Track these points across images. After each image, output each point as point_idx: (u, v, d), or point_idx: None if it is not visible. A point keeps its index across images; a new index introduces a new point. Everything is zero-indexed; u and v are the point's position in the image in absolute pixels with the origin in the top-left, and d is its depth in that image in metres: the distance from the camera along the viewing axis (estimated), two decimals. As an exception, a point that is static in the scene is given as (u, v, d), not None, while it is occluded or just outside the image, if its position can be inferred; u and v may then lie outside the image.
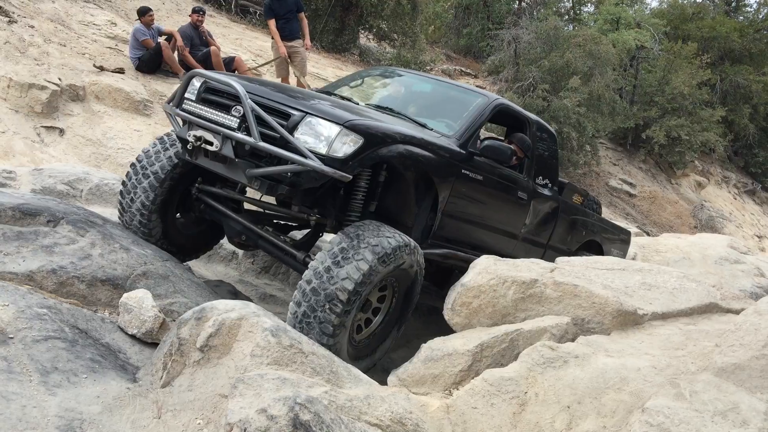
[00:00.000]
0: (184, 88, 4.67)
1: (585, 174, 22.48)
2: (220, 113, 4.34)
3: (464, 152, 4.95)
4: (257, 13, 17.00)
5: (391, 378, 3.74)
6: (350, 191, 4.54)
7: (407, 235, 4.33)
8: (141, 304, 3.92)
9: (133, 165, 5.08)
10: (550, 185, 6.14)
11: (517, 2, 28.72)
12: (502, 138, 6.75)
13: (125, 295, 4.01)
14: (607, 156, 24.39)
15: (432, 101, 5.90)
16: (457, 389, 3.53)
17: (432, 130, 5.04)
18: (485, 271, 3.97)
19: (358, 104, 5.34)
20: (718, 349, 3.35)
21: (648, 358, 3.48)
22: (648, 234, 19.25)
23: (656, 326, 3.87)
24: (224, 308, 3.19)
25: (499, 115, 6.06)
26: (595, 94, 20.87)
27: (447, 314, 4.02)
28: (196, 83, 4.63)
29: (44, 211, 4.45)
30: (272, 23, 10.07)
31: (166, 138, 5.05)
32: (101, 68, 9.51)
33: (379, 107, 5.40)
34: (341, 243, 4.02)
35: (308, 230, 5.38)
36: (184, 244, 5.42)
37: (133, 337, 3.87)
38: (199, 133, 4.39)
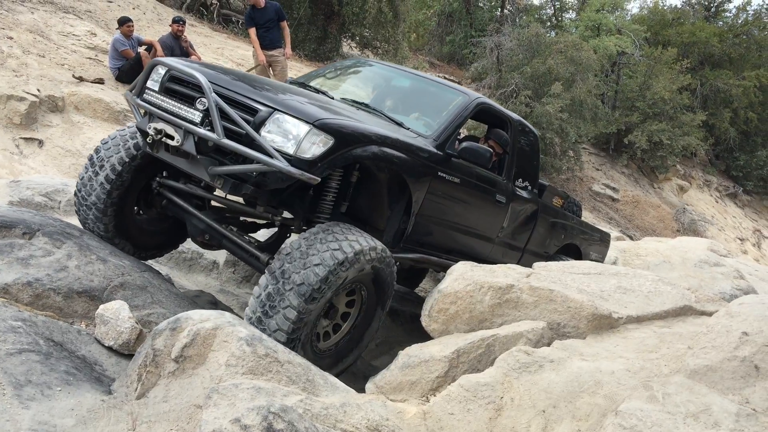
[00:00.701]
0: (146, 76, 4.45)
1: (568, 179, 22.61)
2: (182, 106, 4.12)
3: (441, 153, 4.81)
4: (239, 22, 17.01)
5: (369, 385, 3.75)
6: (320, 191, 4.38)
7: (378, 239, 4.21)
8: (117, 316, 3.90)
9: (90, 157, 4.85)
10: (530, 187, 6.04)
11: (500, 10, 28.93)
12: (479, 138, 6.68)
13: (102, 306, 3.98)
14: (590, 161, 24.55)
15: (410, 98, 5.73)
16: (435, 395, 3.54)
17: (409, 129, 4.89)
18: (462, 277, 3.99)
19: (332, 98, 5.18)
20: (690, 351, 3.38)
21: (622, 362, 3.51)
22: (631, 238, 19.37)
23: (631, 329, 3.90)
24: (199, 318, 3.19)
25: (481, 115, 5.97)
26: (578, 100, 21.04)
27: (424, 321, 4.04)
28: (160, 71, 4.39)
29: (20, 224, 4.43)
30: (252, 32, 10.10)
31: (126, 129, 4.81)
32: (81, 79, 9.49)
33: (354, 103, 5.24)
34: (300, 246, 3.87)
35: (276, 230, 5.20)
36: (145, 242, 5.20)
37: (109, 348, 3.85)
38: (160, 126, 4.16)
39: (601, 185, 23.76)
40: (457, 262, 5.27)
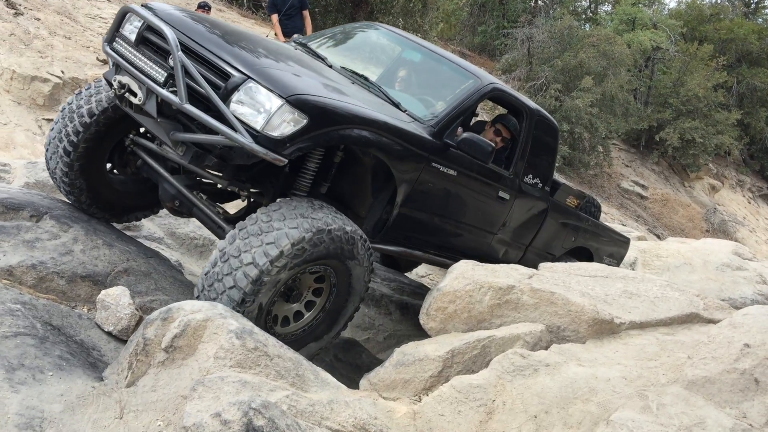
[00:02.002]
0: (117, 23, 4.12)
1: (596, 175, 22.35)
2: (149, 62, 3.79)
3: (438, 142, 4.41)
4: (268, 8, 17.02)
5: (363, 382, 3.72)
6: (297, 169, 4.04)
7: (357, 225, 3.90)
8: (118, 302, 3.92)
9: (62, 109, 4.54)
10: (540, 185, 5.61)
11: (533, 1, 28.59)
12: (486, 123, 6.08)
13: (103, 291, 4.01)
14: (619, 157, 24.23)
15: (418, 74, 5.33)
16: (427, 395, 3.51)
17: (405, 111, 4.46)
18: (462, 276, 3.94)
19: (330, 66, 4.76)
20: (690, 361, 3.30)
21: (620, 369, 3.44)
22: (658, 237, 19.11)
23: (633, 336, 3.82)
24: (190, 309, 3.18)
25: (494, 101, 5.61)
26: (609, 95, 20.79)
27: (422, 319, 4.00)
28: (135, 20, 4.05)
29: (28, 206, 4.47)
30: (275, 18, 10.11)
31: (103, 79, 4.39)
32: (105, 62, 9.57)
33: (354, 74, 4.79)
34: (257, 221, 3.57)
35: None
36: (116, 203, 4.86)
37: (109, 334, 3.87)
38: (125, 80, 3.83)
39: (630, 182, 23.45)
40: (446, 258, 5.09)
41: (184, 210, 4.36)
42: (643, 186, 23.28)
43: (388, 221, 4.44)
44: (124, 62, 3.88)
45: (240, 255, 3.48)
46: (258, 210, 3.68)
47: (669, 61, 25.14)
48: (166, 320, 3.17)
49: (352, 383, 3.88)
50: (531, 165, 5.43)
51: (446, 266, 5.40)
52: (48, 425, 2.90)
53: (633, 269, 8.31)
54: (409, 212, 4.49)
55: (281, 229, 3.50)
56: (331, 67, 4.75)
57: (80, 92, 4.53)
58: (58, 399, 3.04)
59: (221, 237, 4.07)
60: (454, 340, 3.69)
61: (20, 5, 9.66)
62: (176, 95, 3.54)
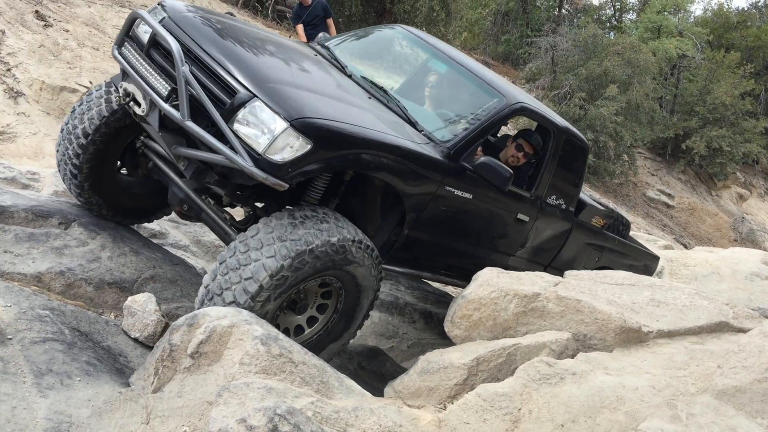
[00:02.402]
0: (126, 28, 4.03)
1: (621, 184, 22.15)
2: (154, 72, 3.68)
3: (453, 165, 4.22)
4: (293, 19, 17.15)
5: (387, 389, 3.71)
6: (305, 185, 3.91)
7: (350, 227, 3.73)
8: (144, 308, 3.96)
9: (72, 110, 4.50)
10: (564, 206, 5.38)
11: (557, 9, 28.50)
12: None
13: (129, 298, 4.05)
14: (645, 166, 23.99)
15: (441, 87, 5.10)
16: (452, 403, 3.48)
17: (422, 131, 4.27)
18: (486, 283, 3.92)
19: (349, 76, 4.58)
20: (720, 370, 3.25)
21: (648, 378, 3.39)
22: (685, 246, 18.89)
23: (661, 344, 3.77)
24: (216, 315, 3.20)
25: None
26: (634, 103, 20.63)
27: (447, 326, 3.98)
28: (144, 27, 3.94)
29: (56, 213, 4.54)
30: (300, 28, 10.17)
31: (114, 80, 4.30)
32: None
33: (373, 85, 4.58)
34: (257, 233, 3.48)
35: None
36: (124, 205, 4.79)
37: (135, 340, 3.91)
38: (131, 88, 3.76)
39: (656, 191, 23.20)
40: (458, 279, 4.97)
41: (192, 214, 4.25)
42: (669, 195, 23.01)
43: (396, 242, 4.29)
44: (130, 70, 3.80)
45: (222, 293, 3.42)
46: (261, 220, 3.59)
47: (695, 69, 24.88)
48: (192, 326, 3.19)
49: (376, 391, 3.87)
50: (555, 185, 5.22)
51: (459, 286, 5.31)
52: (76, 430, 2.93)
53: (660, 278, 8.21)
54: (419, 235, 4.35)
55: (258, 260, 3.38)
56: (350, 77, 4.60)
57: (90, 93, 4.47)
58: (86, 404, 3.07)
59: (227, 243, 4.01)
60: (479, 347, 3.67)
61: (49, 17, 9.82)
62: (179, 110, 3.46)
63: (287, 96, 3.53)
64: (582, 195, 6.21)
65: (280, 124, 3.35)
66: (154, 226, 5.81)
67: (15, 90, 8.65)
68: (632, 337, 3.77)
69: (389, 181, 3.86)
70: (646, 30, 25.65)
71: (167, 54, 3.73)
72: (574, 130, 5.42)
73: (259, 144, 3.35)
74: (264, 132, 3.36)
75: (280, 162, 3.35)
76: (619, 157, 21.03)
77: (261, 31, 4.77)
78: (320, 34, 5.57)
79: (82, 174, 4.48)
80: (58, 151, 4.59)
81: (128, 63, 3.86)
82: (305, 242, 3.44)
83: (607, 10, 31.07)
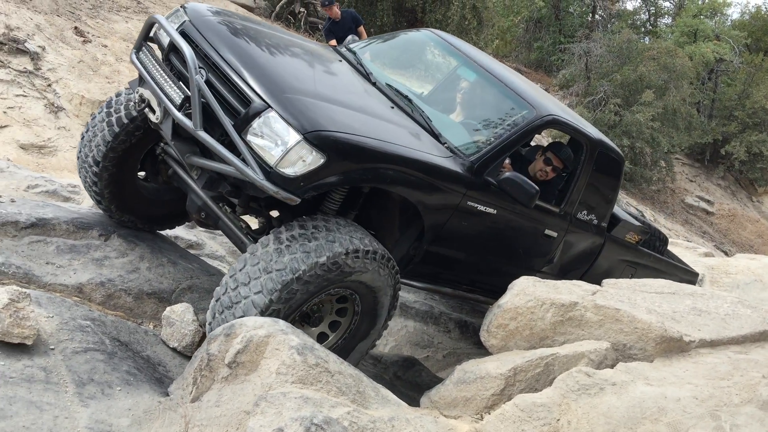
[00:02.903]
0: (144, 33, 3.98)
1: (659, 190, 21.85)
2: (169, 79, 3.62)
3: (476, 180, 4.06)
4: (326, 30, 17.28)
5: (423, 399, 3.69)
6: (322, 196, 3.77)
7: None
8: (183, 318, 4.01)
9: (92, 116, 4.45)
10: (596, 221, 5.17)
11: (591, 15, 28.29)
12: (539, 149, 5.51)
13: (168, 308, 4.10)
14: (683, 172, 23.63)
15: (470, 96, 4.94)
16: (489, 413, 3.45)
17: (445, 144, 4.10)
18: (523, 292, 3.88)
19: (374, 84, 4.42)
20: (764, 380, 3.17)
21: (690, 388, 3.32)
22: (726, 253, 18.52)
23: (703, 354, 3.69)
24: (253, 325, 3.22)
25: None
26: (670, 109, 20.37)
27: (483, 336, 3.95)
28: (162, 32, 3.86)
29: (96, 225, 4.62)
30: (333, 44, 10.24)
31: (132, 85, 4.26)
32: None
33: (397, 93, 4.42)
34: (267, 246, 3.39)
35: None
36: (144, 212, 4.74)
37: (174, 350, 3.96)
38: (147, 94, 3.70)
39: (694, 197, 22.82)
40: (480, 294, 4.85)
41: (210, 222, 4.12)
42: (708, 201, 22.61)
43: (415, 257, 4.16)
44: (146, 75, 3.73)
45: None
46: (272, 232, 3.52)
47: (733, 72, 24.48)
48: (229, 336, 3.21)
49: (412, 401, 3.85)
50: (587, 200, 5.00)
51: (481, 302, 5.23)
52: (116, 439, 2.97)
53: (701, 286, 8.05)
54: (439, 250, 4.23)
55: (248, 297, 3.33)
56: (374, 84, 4.45)
57: (111, 99, 4.42)
58: (126, 413, 3.12)
59: (243, 251, 3.85)
60: (516, 357, 3.63)
61: (88, 33, 10.05)
62: (191, 119, 3.40)
63: (303, 107, 3.43)
64: (617, 209, 5.98)
65: (293, 137, 3.27)
66: (191, 237, 5.88)
67: (56, 105, 8.86)
68: (673, 347, 3.70)
69: (407, 196, 3.75)
70: (682, 34, 25.32)
71: (184, 60, 3.66)
72: (609, 142, 5.21)
73: (272, 156, 3.28)
74: (277, 144, 3.29)
75: (292, 176, 3.27)
76: (656, 163, 20.76)
77: (286, 35, 4.68)
78: (349, 37, 5.46)
79: (102, 181, 4.42)
80: (78, 158, 4.56)
81: (145, 68, 3.80)
82: (291, 270, 3.31)
83: (642, 15, 30.76)
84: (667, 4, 30.52)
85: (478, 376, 3.56)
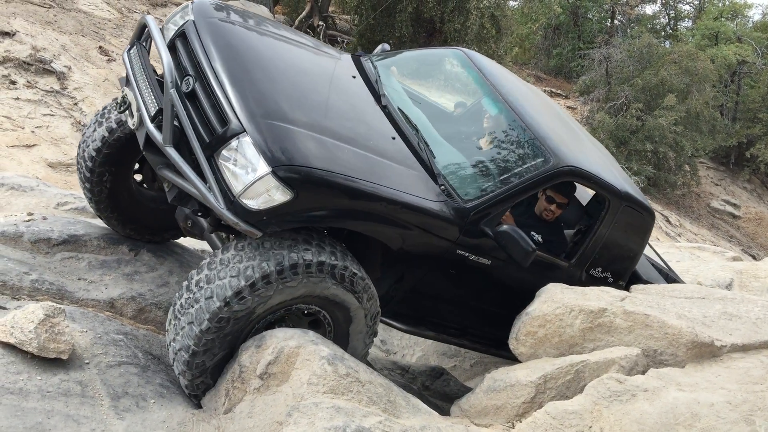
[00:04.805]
0: (137, 33, 3.83)
1: (684, 195, 21.65)
2: (151, 85, 3.43)
3: (470, 227, 3.71)
4: (345, 43, 17.41)
5: (454, 408, 3.70)
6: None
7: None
8: (212, 331, 4.04)
9: (95, 115, 4.29)
10: (611, 279, 4.59)
11: (610, 20, 28.20)
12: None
13: (198, 321, 4.13)
14: (707, 176, 23.40)
15: (487, 134, 4.53)
16: (520, 421, 3.45)
17: (441, 186, 3.72)
18: (550, 299, 3.87)
19: (385, 107, 4.08)
20: (800, 385, 3.13)
21: (723, 393, 3.29)
22: (754, 258, 18.28)
23: (735, 359, 3.65)
24: (283, 336, 3.25)
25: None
26: (693, 112, 20.24)
27: (512, 344, 3.94)
28: (178, 19, 3.72)
29: (126, 240, 4.68)
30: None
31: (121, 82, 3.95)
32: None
33: (406, 120, 4.07)
34: (215, 261, 3.22)
35: None
36: (139, 220, 4.54)
37: (204, 362, 3.99)
38: (130, 96, 3.50)
39: (720, 201, 22.58)
40: (468, 341, 4.54)
41: (196, 231, 3.80)
42: (734, 205, 22.35)
43: (393, 298, 3.88)
44: (132, 78, 3.57)
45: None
46: (222, 246, 3.39)
47: (756, 74, 24.23)
48: (260, 347, 3.24)
49: (441, 411, 3.86)
50: (604, 257, 4.46)
51: (472, 349, 4.94)
52: (152, 451, 3.01)
53: (730, 290, 7.96)
54: (421, 298, 3.98)
55: (184, 328, 3.19)
56: (385, 108, 4.09)
57: (110, 103, 4.24)
58: (161, 426, 3.16)
59: None
60: (546, 365, 3.63)
61: (112, 52, 10.23)
62: (162, 132, 3.22)
63: (280, 135, 3.18)
64: (644, 264, 5.45)
65: (262, 168, 3.03)
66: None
67: (82, 123, 9.01)
68: (705, 352, 3.67)
69: (384, 241, 3.50)
70: (703, 37, 25.16)
71: (183, 56, 3.54)
72: (638, 195, 4.61)
73: (238, 185, 3.07)
74: (247, 171, 3.06)
75: (254, 209, 3.06)
76: (680, 167, 20.60)
77: (298, 42, 4.35)
78: (379, 47, 5.12)
79: (96, 186, 4.28)
80: (77, 158, 4.39)
81: (132, 70, 3.63)
82: (217, 297, 3.12)
83: (662, 19, 30.59)
84: (687, 7, 30.34)
85: (508, 384, 3.56)
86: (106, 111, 4.20)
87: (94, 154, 4.14)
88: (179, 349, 3.23)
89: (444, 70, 5.29)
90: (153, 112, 3.29)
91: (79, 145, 4.33)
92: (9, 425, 2.79)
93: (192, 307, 3.16)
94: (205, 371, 3.27)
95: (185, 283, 3.29)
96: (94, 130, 4.17)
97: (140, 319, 4.22)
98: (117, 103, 3.65)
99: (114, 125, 4.07)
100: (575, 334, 3.79)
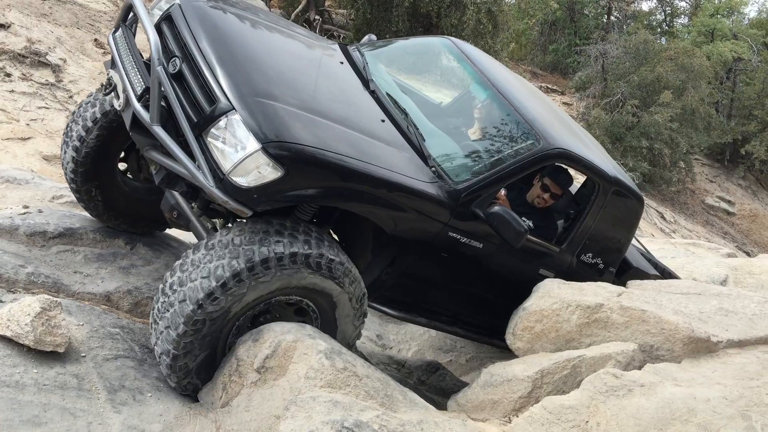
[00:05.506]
0: (123, 14, 3.80)
1: (679, 191, 21.70)
2: (137, 65, 3.38)
3: (461, 209, 3.70)
4: (341, 37, 17.37)
5: (450, 403, 3.71)
6: (293, 208, 3.45)
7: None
8: (209, 325, 4.03)
9: (79, 105, 4.20)
10: (602, 266, 4.62)
11: (606, 17, 28.21)
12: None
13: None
14: (702, 173, 23.46)
15: (477, 118, 4.57)
16: (517, 416, 3.45)
17: (432, 168, 3.72)
18: (547, 294, 3.88)
19: (372, 91, 4.09)
20: (796, 380, 3.15)
21: (719, 389, 3.30)
22: (748, 254, 18.35)
23: (731, 354, 3.67)
24: (281, 330, 3.24)
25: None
26: (689, 109, 20.28)
27: (509, 339, 3.95)
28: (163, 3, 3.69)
29: (123, 234, 4.67)
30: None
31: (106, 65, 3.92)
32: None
33: (396, 104, 4.08)
34: (198, 251, 3.17)
35: None
36: (136, 212, 4.50)
37: (201, 356, 3.99)
38: (116, 77, 3.46)
39: (715, 198, 22.65)
40: (460, 329, 4.54)
41: (182, 222, 3.76)
42: (729, 202, 22.43)
43: (386, 283, 3.85)
44: (117, 58, 3.51)
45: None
46: (207, 236, 3.37)
47: (752, 71, 24.30)
48: (257, 341, 3.24)
49: (437, 406, 3.86)
50: (594, 242, 4.49)
51: (463, 337, 4.92)
52: (148, 444, 3.01)
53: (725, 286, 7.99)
54: (412, 281, 3.96)
55: (162, 333, 3.16)
56: (373, 92, 4.11)
57: (94, 91, 4.16)
58: (158, 419, 3.15)
59: None
60: (543, 360, 3.63)
61: (108, 44, 10.14)
62: (149, 111, 3.17)
63: (270, 113, 3.16)
64: (633, 252, 5.51)
65: (252, 145, 2.99)
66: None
67: (78, 116, 8.94)
68: (701, 348, 3.68)
69: (375, 220, 3.48)
70: (699, 34, 25.21)
71: (170, 37, 3.51)
72: (627, 181, 4.67)
73: (228, 161, 3.03)
74: (237, 149, 3.02)
75: (244, 186, 3.02)
76: (675, 164, 20.65)
77: (288, 29, 4.37)
78: (367, 36, 5.17)
79: (78, 178, 4.23)
80: (61, 149, 4.34)
81: (117, 51, 3.57)
82: (194, 299, 3.06)
83: (658, 16, 30.61)
84: (683, 4, 30.38)
85: (504, 379, 3.57)
86: (93, 98, 4.14)
87: (79, 140, 4.10)
88: (161, 354, 3.21)
89: (432, 59, 5.29)
90: (140, 91, 3.25)
91: (64, 133, 4.29)
92: (5, 418, 2.78)
93: (167, 311, 3.12)
94: (190, 372, 3.25)
95: (161, 286, 3.25)
96: (78, 115, 4.13)
97: (136, 313, 4.21)
98: (102, 86, 3.61)
99: (98, 114, 4.01)
100: (572, 330, 3.80)
